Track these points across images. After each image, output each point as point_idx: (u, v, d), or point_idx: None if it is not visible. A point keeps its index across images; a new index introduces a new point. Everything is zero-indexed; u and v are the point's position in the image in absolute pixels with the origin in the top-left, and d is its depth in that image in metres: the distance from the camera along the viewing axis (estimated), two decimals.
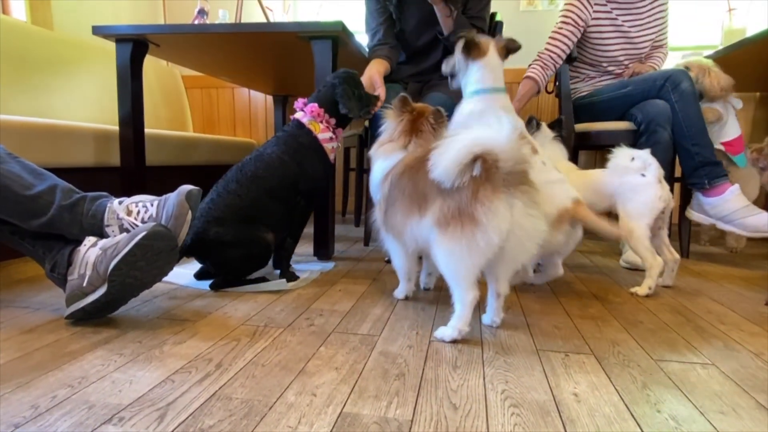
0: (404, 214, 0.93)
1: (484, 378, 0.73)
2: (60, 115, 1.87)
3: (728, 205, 1.48)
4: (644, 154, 1.23)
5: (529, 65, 1.81)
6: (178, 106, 2.75)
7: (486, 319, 0.96)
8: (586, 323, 0.99)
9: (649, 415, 0.63)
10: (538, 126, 1.62)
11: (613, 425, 0.60)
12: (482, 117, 1.20)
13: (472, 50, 1.24)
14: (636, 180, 1.22)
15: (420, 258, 1.16)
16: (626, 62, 1.86)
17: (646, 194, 1.20)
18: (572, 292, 1.23)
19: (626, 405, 0.66)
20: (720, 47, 1.97)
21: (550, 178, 1.12)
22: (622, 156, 1.26)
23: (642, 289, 1.18)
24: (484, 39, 1.27)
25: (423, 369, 0.76)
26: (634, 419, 0.62)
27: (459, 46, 1.25)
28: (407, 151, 1.08)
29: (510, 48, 1.28)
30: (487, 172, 0.79)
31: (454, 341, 0.87)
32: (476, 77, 1.24)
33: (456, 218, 0.80)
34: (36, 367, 0.74)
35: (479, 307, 0.97)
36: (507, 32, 2.62)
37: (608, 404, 0.66)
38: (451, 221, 0.81)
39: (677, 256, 1.26)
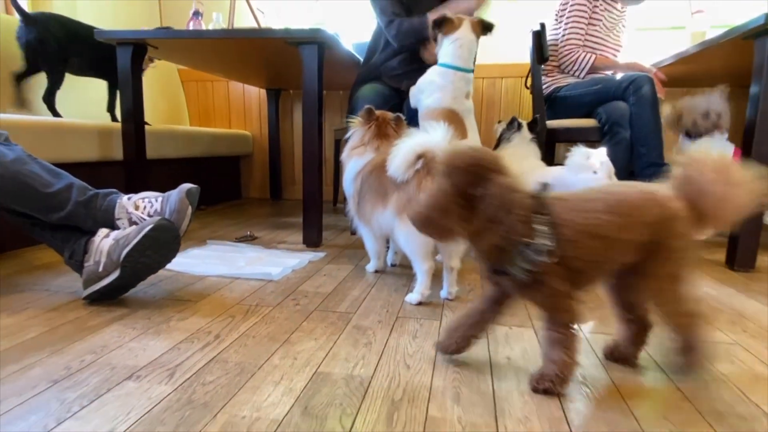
0: (372, 205, 1.11)
1: (437, 346, 0.88)
2: (64, 113, 1.99)
3: None
4: (597, 154, 1.37)
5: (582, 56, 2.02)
6: (175, 100, 2.86)
7: (443, 293, 1.14)
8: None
9: None
10: (519, 127, 1.77)
11: None
12: (440, 90, 1.38)
13: (445, 25, 1.40)
14: (589, 177, 1.37)
15: (387, 240, 1.36)
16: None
17: None
18: None
19: None
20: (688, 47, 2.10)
21: None
22: (579, 155, 1.40)
23: None
24: (458, 16, 1.43)
25: (387, 339, 0.91)
26: None
27: (432, 22, 1.42)
28: (377, 152, 1.23)
29: (485, 25, 1.43)
30: (428, 167, 0.95)
31: (420, 303, 1.09)
32: (448, 50, 1.41)
33: (407, 206, 0.97)
34: (63, 339, 0.89)
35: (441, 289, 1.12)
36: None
37: (533, 365, 0.81)
38: (404, 209, 0.98)
39: None
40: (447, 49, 1.41)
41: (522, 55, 2.64)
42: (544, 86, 2.07)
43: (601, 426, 0.64)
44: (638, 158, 1.71)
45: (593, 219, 0.67)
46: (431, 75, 1.44)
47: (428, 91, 1.42)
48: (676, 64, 1.91)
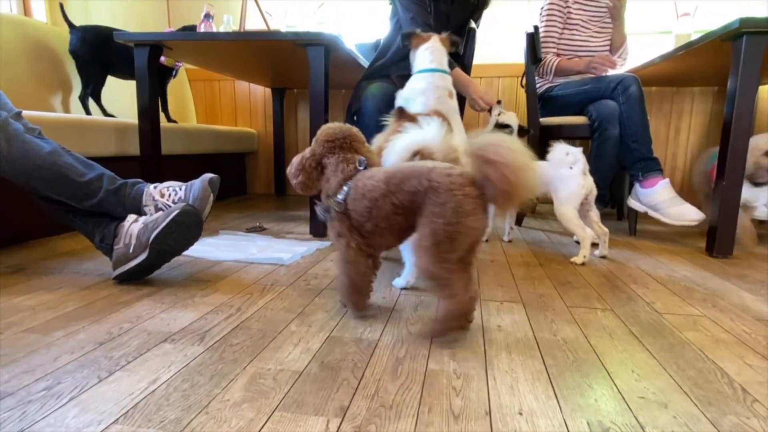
0: None
1: (435, 316, 0.99)
2: (78, 110, 2.09)
3: (657, 196, 1.74)
4: (575, 151, 1.47)
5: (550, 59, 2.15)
6: (182, 98, 2.96)
7: (398, 282, 1.20)
8: (526, 283, 1.25)
9: (548, 337, 0.89)
10: (510, 130, 1.88)
11: (519, 342, 0.86)
12: (423, 94, 1.47)
13: (412, 39, 1.53)
14: (566, 172, 1.47)
15: None
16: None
17: (572, 184, 1.46)
18: (523, 260, 1.49)
19: (534, 332, 0.91)
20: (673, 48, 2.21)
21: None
22: (559, 151, 1.50)
23: (578, 258, 1.44)
24: (426, 32, 1.57)
25: (391, 311, 1.01)
26: (536, 339, 0.88)
27: (401, 36, 1.56)
28: None
29: (452, 41, 1.57)
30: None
31: (411, 288, 1.17)
32: (421, 58, 1.53)
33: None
34: (100, 311, 0.99)
35: None
36: (488, 29, 2.85)
37: (521, 332, 0.91)
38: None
39: (606, 229, 1.52)
40: (420, 57, 1.52)
41: (519, 55, 2.75)
42: (537, 85, 2.18)
43: (576, 377, 0.74)
44: (629, 153, 1.82)
45: (369, 185, 0.89)
46: (411, 83, 1.53)
47: (412, 98, 1.50)
48: (662, 64, 2.01)
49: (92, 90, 2.09)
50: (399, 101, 1.56)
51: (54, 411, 0.63)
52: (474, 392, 0.69)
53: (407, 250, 1.18)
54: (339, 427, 0.60)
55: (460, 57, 1.98)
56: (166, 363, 0.76)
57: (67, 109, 2.09)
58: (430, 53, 1.51)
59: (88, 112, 2.08)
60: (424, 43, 1.52)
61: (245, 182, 3.22)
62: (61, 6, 2.08)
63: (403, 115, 1.34)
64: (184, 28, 2.15)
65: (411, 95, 1.50)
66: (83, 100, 2.07)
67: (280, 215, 2.28)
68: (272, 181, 3.18)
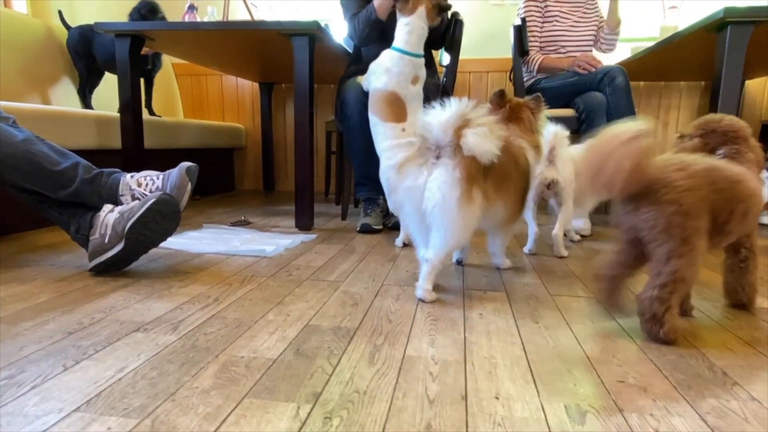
0: None
1: (417, 305, 0.97)
2: (60, 102, 2.05)
3: None
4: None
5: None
6: (169, 93, 2.92)
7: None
8: (510, 273, 1.23)
9: (530, 325, 0.88)
10: None
11: (500, 330, 0.85)
12: (387, 73, 1.50)
13: (400, 2, 1.51)
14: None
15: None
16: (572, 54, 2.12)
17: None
18: (509, 251, 1.47)
19: (515, 319, 0.90)
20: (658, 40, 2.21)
21: (398, 142, 1.47)
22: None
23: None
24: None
25: (372, 301, 1.00)
26: (517, 327, 0.86)
27: None
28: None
29: (441, 7, 1.54)
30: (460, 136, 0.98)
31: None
32: (399, 34, 1.51)
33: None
34: (73, 302, 0.96)
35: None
36: (476, 25, 2.85)
37: (502, 320, 0.90)
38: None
39: (536, 229, 1.47)
40: (399, 32, 1.51)
41: (507, 50, 2.74)
42: (525, 79, 2.17)
43: (556, 362, 0.73)
44: None
45: None
46: (381, 58, 1.54)
47: (377, 73, 1.52)
48: (649, 57, 2.01)
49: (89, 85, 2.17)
50: (367, 74, 1.57)
51: (14, 399, 0.60)
52: (451, 377, 0.67)
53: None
54: (309, 413, 0.58)
55: (448, 48, 1.97)
56: (136, 352, 0.74)
57: (48, 101, 2.05)
58: (407, 32, 1.49)
59: (88, 106, 2.15)
60: (408, 14, 1.50)
61: (233, 178, 3.19)
62: (60, 13, 2.10)
63: (503, 98, 1.24)
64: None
65: (377, 71, 1.53)
66: (80, 94, 2.17)
67: (267, 210, 2.26)
68: (260, 176, 3.14)
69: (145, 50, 2.09)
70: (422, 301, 1.00)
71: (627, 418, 0.58)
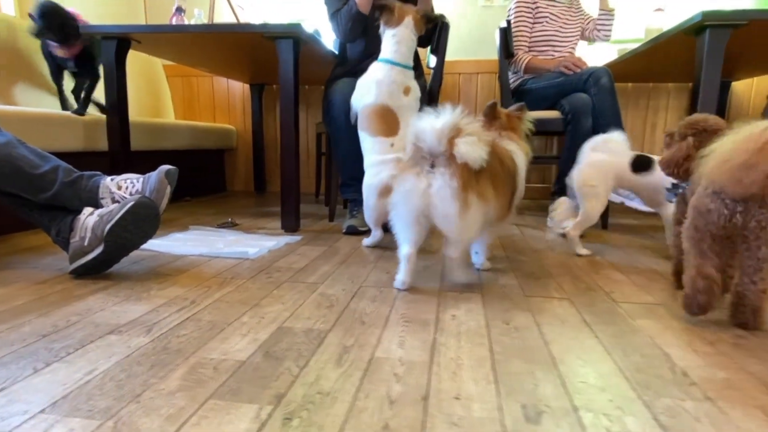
0: None
1: (392, 307, 0.98)
2: (48, 105, 2.06)
3: None
4: None
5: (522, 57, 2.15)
6: (160, 94, 2.93)
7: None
8: (489, 274, 1.25)
9: (500, 326, 0.89)
10: None
11: (470, 331, 0.86)
12: (377, 85, 1.48)
13: (384, 13, 1.47)
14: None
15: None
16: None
17: None
18: (491, 253, 1.49)
19: (487, 321, 0.91)
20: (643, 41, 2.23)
21: (384, 158, 1.46)
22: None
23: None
24: (401, 7, 1.49)
25: (348, 303, 1.01)
26: (487, 328, 0.88)
27: (373, 7, 1.51)
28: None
29: (429, 18, 1.52)
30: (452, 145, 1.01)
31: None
32: (386, 45, 1.49)
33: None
34: (50, 305, 0.97)
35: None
36: (465, 26, 2.86)
37: (474, 321, 0.91)
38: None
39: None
40: (386, 43, 1.49)
41: (497, 52, 2.76)
42: (511, 80, 2.19)
43: (520, 363, 0.74)
44: None
45: None
46: (371, 71, 1.51)
47: (366, 88, 1.49)
48: (634, 59, 2.03)
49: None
50: (355, 95, 1.56)
51: None
52: (414, 378, 0.68)
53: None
54: (271, 414, 0.59)
55: (434, 50, 1.98)
56: (108, 354, 0.75)
57: (35, 103, 2.05)
58: (395, 43, 1.49)
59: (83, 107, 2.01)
60: (394, 26, 1.48)
61: (224, 179, 3.20)
62: (31, 15, 2.04)
63: (495, 111, 1.25)
64: None
65: (365, 84, 1.50)
66: (76, 93, 2.10)
67: (255, 212, 2.26)
68: (251, 178, 3.15)
69: (65, 52, 1.90)
70: (398, 289, 1.08)
71: (581, 418, 0.59)
